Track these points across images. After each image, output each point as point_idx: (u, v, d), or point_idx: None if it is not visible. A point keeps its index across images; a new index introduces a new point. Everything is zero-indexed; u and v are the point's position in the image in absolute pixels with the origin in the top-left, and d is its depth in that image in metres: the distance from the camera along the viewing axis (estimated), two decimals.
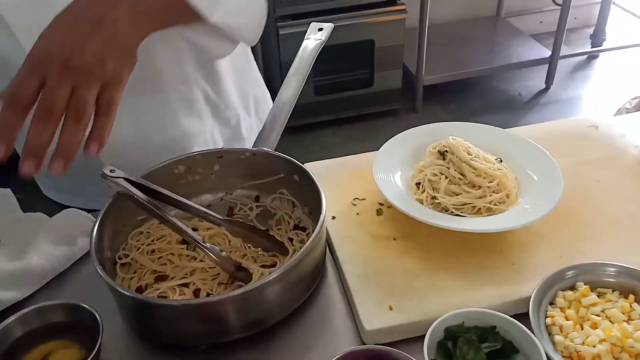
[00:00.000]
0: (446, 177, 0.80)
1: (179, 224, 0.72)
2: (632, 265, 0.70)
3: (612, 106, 1.59)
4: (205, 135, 0.98)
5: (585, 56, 3.42)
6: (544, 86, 3.15)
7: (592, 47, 3.41)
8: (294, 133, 2.75)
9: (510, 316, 0.65)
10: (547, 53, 3.03)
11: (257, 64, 1.09)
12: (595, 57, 3.43)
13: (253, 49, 1.02)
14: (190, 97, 0.93)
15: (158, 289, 0.72)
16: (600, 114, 1.03)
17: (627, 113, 1.70)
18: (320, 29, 0.98)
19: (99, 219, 0.72)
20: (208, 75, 0.95)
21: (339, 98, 2.81)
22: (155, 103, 0.89)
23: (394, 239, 0.79)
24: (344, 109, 2.85)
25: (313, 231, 0.69)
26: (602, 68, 3.37)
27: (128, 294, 0.64)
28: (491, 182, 0.79)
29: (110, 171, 0.74)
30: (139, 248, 0.78)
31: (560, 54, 3.02)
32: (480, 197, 0.78)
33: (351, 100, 2.83)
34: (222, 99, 0.98)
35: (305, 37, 0.97)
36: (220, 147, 1.00)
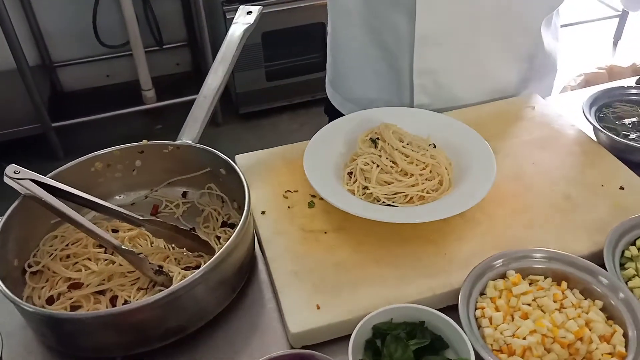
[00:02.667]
0: (377, 166, 0.77)
1: (92, 226, 0.67)
2: (569, 248, 0.69)
3: (558, 84, 1.59)
4: None
5: None
6: None
7: None
8: (249, 120, 2.68)
9: (442, 308, 0.63)
10: None
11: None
12: None
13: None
14: None
15: (71, 299, 0.67)
16: (537, 95, 1.01)
17: (572, 90, 1.71)
18: (249, 12, 0.93)
19: (1, 225, 0.66)
20: None
21: (292, 83, 2.74)
22: None
23: (325, 233, 0.75)
24: (299, 94, 2.79)
25: None
26: None
27: (30, 309, 0.59)
28: (424, 169, 0.76)
29: (15, 172, 0.68)
30: (52, 254, 0.72)
31: None
32: (412, 186, 0.75)
33: (305, 84, 2.77)
34: None
35: (234, 21, 0.92)
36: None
